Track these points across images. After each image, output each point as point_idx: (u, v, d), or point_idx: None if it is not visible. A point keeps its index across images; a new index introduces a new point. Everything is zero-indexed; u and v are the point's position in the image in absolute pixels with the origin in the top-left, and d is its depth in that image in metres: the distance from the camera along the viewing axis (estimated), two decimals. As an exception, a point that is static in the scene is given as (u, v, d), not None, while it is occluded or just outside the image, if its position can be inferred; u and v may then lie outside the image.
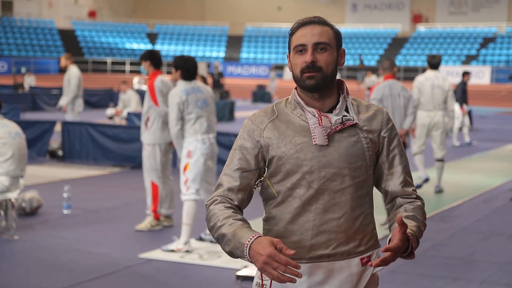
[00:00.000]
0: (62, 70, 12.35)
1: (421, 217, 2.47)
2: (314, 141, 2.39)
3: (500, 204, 9.28)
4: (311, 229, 2.41)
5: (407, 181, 2.53)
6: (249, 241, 2.22)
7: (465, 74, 16.20)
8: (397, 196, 2.53)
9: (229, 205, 2.41)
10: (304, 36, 2.42)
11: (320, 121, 2.40)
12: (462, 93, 15.87)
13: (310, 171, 2.39)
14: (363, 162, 2.44)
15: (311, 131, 2.40)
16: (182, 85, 6.67)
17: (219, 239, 2.35)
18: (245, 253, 2.24)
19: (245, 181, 2.45)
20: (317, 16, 2.48)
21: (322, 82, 2.41)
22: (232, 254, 2.31)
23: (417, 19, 50.72)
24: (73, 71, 12.16)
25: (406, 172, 2.53)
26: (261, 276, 2.46)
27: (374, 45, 48.54)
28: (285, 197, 2.44)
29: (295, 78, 2.46)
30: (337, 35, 2.47)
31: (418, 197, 2.53)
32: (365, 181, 2.46)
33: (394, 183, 2.52)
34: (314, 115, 2.42)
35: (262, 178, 2.46)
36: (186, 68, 6.68)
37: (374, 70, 25.98)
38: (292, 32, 2.47)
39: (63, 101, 12.33)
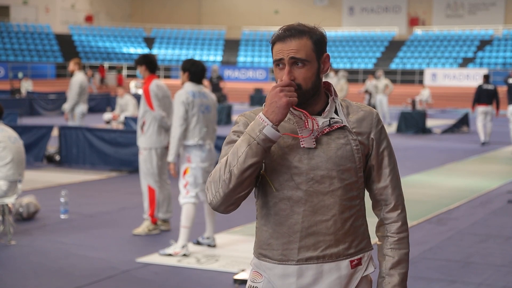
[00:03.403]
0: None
1: (406, 248, 2.54)
2: (302, 144, 2.39)
3: (497, 207, 9.29)
4: (299, 231, 2.41)
5: (394, 184, 2.54)
6: (260, 116, 2.30)
7: None
8: (383, 215, 2.55)
9: None
10: (281, 51, 2.39)
11: (306, 123, 2.39)
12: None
13: (298, 173, 2.40)
14: (352, 164, 2.44)
15: (299, 134, 2.40)
16: (189, 87, 6.65)
17: (231, 162, 2.31)
18: (261, 121, 2.28)
19: None
20: (294, 27, 2.41)
21: (302, 98, 2.39)
22: (250, 149, 2.29)
23: (413, 22, 50.77)
24: (76, 77, 12.04)
25: (394, 174, 2.54)
26: (259, 279, 2.48)
27: (371, 48, 48.57)
28: (272, 198, 2.44)
29: None
30: (317, 44, 2.41)
31: (402, 210, 2.55)
32: (355, 184, 2.46)
33: (381, 185, 2.53)
34: (301, 118, 2.41)
35: (260, 172, 2.43)
36: (194, 71, 6.67)
37: (373, 73, 25.99)
38: (272, 44, 2.43)
39: (66, 108, 12.32)
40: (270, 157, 2.41)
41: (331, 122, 2.42)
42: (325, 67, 2.45)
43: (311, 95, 2.42)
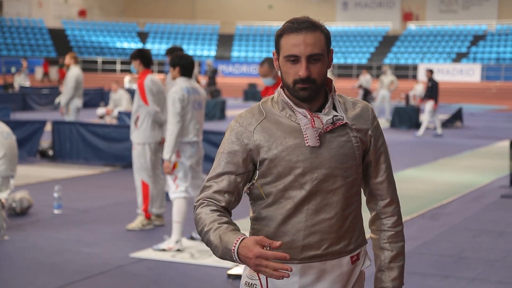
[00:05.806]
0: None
1: (402, 241, 2.58)
2: (307, 143, 2.36)
3: (490, 202, 9.31)
4: (303, 229, 2.40)
5: (389, 179, 2.56)
6: (234, 246, 2.21)
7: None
8: (379, 210, 2.56)
9: (215, 208, 2.38)
10: (297, 46, 2.33)
11: (312, 122, 2.37)
12: None
13: (302, 173, 2.37)
14: (354, 161, 2.43)
15: (303, 132, 2.37)
16: (182, 83, 6.60)
17: (208, 245, 2.34)
18: (234, 258, 2.23)
19: (232, 184, 2.41)
20: (307, 19, 2.37)
21: (315, 93, 2.38)
22: (224, 258, 2.30)
23: (407, 17, 50.81)
24: (72, 72, 11.98)
25: (389, 169, 2.56)
26: (257, 277, 2.45)
27: (365, 43, 48.59)
28: (276, 199, 2.42)
29: (285, 85, 2.40)
30: (328, 38, 2.40)
31: (397, 205, 2.57)
32: (355, 180, 2.46)
33: (378, 180, 2.54)
34: (305, 116, 2.38)
35: (254, 181, 2.43)
36: (183, 65, 6.64)
37: (367, 69, 25.98)
38: (281, 34, 2.37)
39: (61, 102, 12.27)
40: (274, 159, 2.38)
41: (334, 120, 2.40)
42: (331, 62, 2.44)
43: (321, 89, 2.41)
